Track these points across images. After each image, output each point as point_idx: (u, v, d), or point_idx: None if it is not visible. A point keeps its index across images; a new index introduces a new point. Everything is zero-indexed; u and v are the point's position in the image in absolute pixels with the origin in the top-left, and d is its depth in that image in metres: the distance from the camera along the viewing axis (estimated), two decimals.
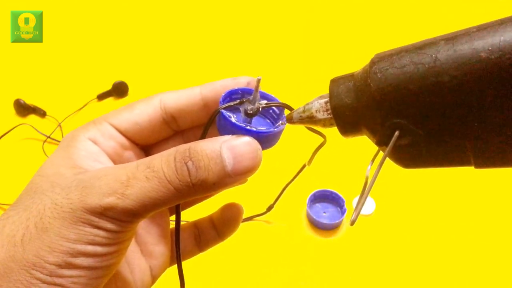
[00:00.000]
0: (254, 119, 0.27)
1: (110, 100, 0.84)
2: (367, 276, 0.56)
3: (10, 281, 0.21)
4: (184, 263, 0.32)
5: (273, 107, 0.28)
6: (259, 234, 0.61)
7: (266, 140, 0.26)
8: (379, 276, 0.56)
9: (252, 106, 0.26)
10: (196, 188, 0.23)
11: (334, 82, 0.24)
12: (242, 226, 0.56)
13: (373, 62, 0.21)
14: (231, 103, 0.26)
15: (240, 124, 0.25)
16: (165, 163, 0.23)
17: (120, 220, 0.23)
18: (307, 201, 0.62)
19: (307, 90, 0.81)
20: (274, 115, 0.29)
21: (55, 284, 0.22)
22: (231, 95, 0.27)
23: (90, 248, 0.22)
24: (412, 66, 0.20)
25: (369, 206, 0.64)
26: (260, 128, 0.25)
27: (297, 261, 0.58)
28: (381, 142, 0.22)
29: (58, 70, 0.90)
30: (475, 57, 0.18)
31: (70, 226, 0.22)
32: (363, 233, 0.61)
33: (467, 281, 0.55)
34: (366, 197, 0.22)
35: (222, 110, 0.25)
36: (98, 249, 0.22)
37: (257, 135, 0.25)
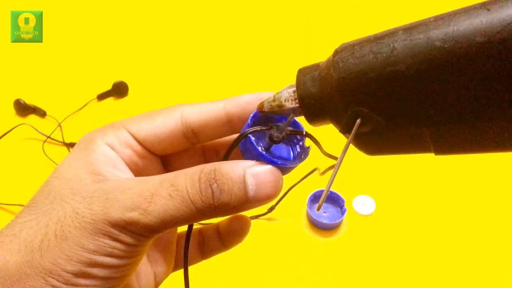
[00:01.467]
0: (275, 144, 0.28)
1: (110, 100, 0.84)
2: (367, 276, 0.56)
3: (25, 286, 0.22)
4: None
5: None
6: (260, 234, 0.61)
7: (287, 170, 0.26)
8: (379, 276, 0.56)
9: (278, 134, 0.26)
10: (217, 210, 0.24)
11: (301, 72, 0.25)
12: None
13: (336, 52, 0.22)
14: (259, 128, 0.26)
15: (266, 154, 0.25)
16: (189, 183, 0.23)
17: (140, 234, 0.23)
18: (307, 201, 0.62)
19: None
20: (295, 140, 0.29)
21: None
22: (258, 118, 0.27)
23: (108, 260, 0.23)
24: (372, 56, 0.20)
25: (369, 206, 0.64)
26: (283, 159, 0.26)
27: (297, 261, 0.58)
28: (344, 130, 0.22)
29: (58, 70, 0.90)
30: (430, 46, 0.19)
31: (90, 237, 0.22)
32: (363, 233, 0.61)
33: (467, 281, 0.55)
34: (331, 182, 0.23)
35: (250, 136, 0.25)
36: (115, 261, 0.23)
37: (280, 167, 0.25)
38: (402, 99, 0.20)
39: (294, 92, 0.25)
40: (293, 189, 0.59)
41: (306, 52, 0.92)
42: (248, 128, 0.26)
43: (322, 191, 0.63)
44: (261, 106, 0.26)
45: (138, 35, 0.99)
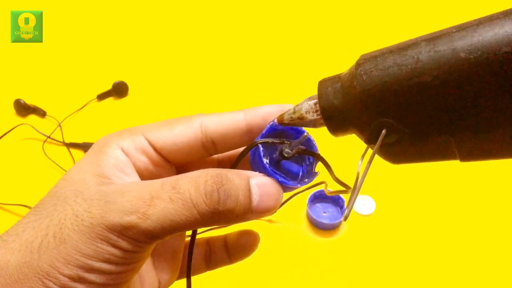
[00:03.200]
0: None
1: (110, 100, 0.84)
2: (367, 276, 0.56)
3: (23, 287, 0.21)
4: None
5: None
6: (259, 233, 0.61)
7: (287, 189, 0.26)
8: (379, 276, 0.56)
9: (289, 151, 0.26)
10: (221, 217, 0.23)
11: (322, 84, 0.25)
12: (242, 226, 0.55)
13: (358, 64, 0.22)
14: (270, 141, 0.26)
15: (270, 168, 0.25)
16: (192, 185, 0.23)
17: (138, 240, 0.22)
18: (307, 201, 0.62)
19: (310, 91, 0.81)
20: (307, 160, 0.29)
21: None
22: (274, 131, 0.27)
23: (105, 266, 0.22)
24: (396, 68, 0.20)
25: (369, 206, 0.64)
26: (287, 177, 0.26)
27: (297, 261, 0.58)
28: (370, 141, 0.23)
29: (58, 70, 0.90)
30: (455, 57, 0.19)
31: (88, 242, 0.22)
32: (363, 233, 0.61)
33: (467, 281, 0.55)
34: (357, 193, 0.23)
35: (260, 146, 0.25)
36: (112, 267, 0.22)
37: (282, 184, 0.25)
38: (427, 109, 0.20)
39: (315, 104, 0.25)
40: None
41: (309, 54, 0.92)
42: (261, 138, 0.26)
43: (322, 191, 0.63)
44: (281, 118, 0.26)
45: (138, 35, 0.99)
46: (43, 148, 0.73)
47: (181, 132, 0.27)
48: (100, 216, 0.22)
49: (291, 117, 0.26)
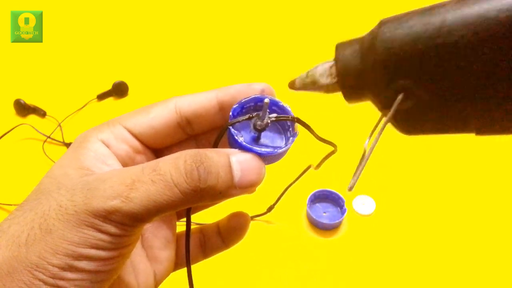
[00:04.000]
0: (265, 132, 0.27)
1: (110, 100, 0.84)
2: (367, 276, 0.56)
3: (13, 281, 0.21)
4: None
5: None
6: (259, 234, 0.61)
7: (270, 158, 0.26)
8: (379, 276, 0.56)
9: (260, 123, 0.26)
10: (203, 194, 0.23)
11: (340, 45, 0.24)
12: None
13: (381, 23, 0.21)
14: (239, 119, 0.26)
15: (246, 145, 0.25)
16: (172, 166, 0.23)
17: (124, 224, 0.22)
18: (307, 201, 0.62)
19: None
20: (285, 125, 0.29)
21: (57, 286, 0.22)
22: (243, 106, 0.27)
23: (94, 252, 0.22)
24: (421, 26, 0.20)
25: (369, 206, 0.64)
26: (265, 149, 0.26)
27: (297, 261, 0.58)
28: (385, 105, 0.22)
29: (58, 70, 0.90)
30: (484, 16, 0.18)
31: (74, 229, 0.22)
32: (363, 233, 0.61)
33: (466, 281, 0.55)
34: (364, 165, 0.22)
35: (230, 128, 0.26)
36: (102, 253, 0.22)
37: (261, 156, 0.25)
38: (451, 72, 0.19)
39: (330, 67, 0.24)
40: (293, 189, 0.59)
41: (308, 50, 0.92)
42: (230, 120, 0.26)
43: (322, 191, 0.63)
44: (292, 83, 0.25)
45: (138, 35, 0.99)
46: (43, 148, 0.73)
47: (156, 115, 0.28)
48: (84, 203, 0.22)
49: (303, 82, 0.25)
